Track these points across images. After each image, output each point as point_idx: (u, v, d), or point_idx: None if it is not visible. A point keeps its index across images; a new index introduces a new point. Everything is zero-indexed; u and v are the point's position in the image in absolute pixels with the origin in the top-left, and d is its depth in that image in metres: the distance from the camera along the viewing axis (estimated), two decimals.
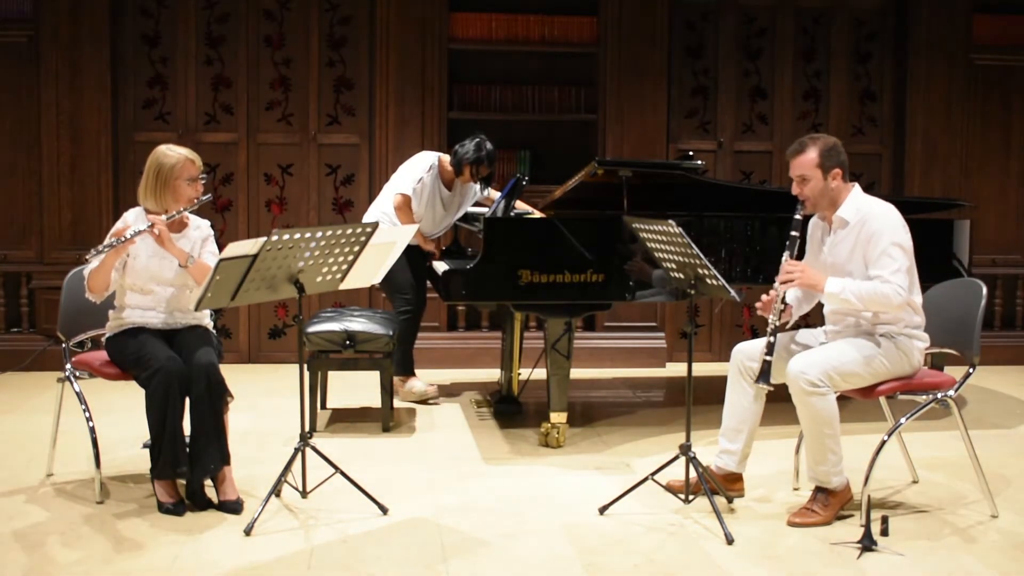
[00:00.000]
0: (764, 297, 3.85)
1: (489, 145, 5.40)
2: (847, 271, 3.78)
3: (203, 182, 4.04)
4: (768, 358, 3.72)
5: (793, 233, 3.81)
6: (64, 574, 3.26)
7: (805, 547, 3.53)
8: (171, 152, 3.98)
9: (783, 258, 3.79)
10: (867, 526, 3.51)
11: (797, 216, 3.83)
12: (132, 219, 4.01)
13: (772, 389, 3.78)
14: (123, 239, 3.79)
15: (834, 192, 3.82)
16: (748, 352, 3.93)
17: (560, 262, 4.64)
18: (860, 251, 3.75)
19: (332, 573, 3.29)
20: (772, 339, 3.74)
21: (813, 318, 6.89)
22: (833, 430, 3.69)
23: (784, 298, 3.82)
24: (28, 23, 6.48)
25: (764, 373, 3.72)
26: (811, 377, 3.63)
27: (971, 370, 3.85)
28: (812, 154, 3.80)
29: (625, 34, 6.78)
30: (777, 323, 3.78)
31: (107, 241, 3.82)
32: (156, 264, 3.95)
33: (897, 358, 3.76)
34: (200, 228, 4.12)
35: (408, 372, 5.69)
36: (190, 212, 4.05)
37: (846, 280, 3.71)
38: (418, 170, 5.52)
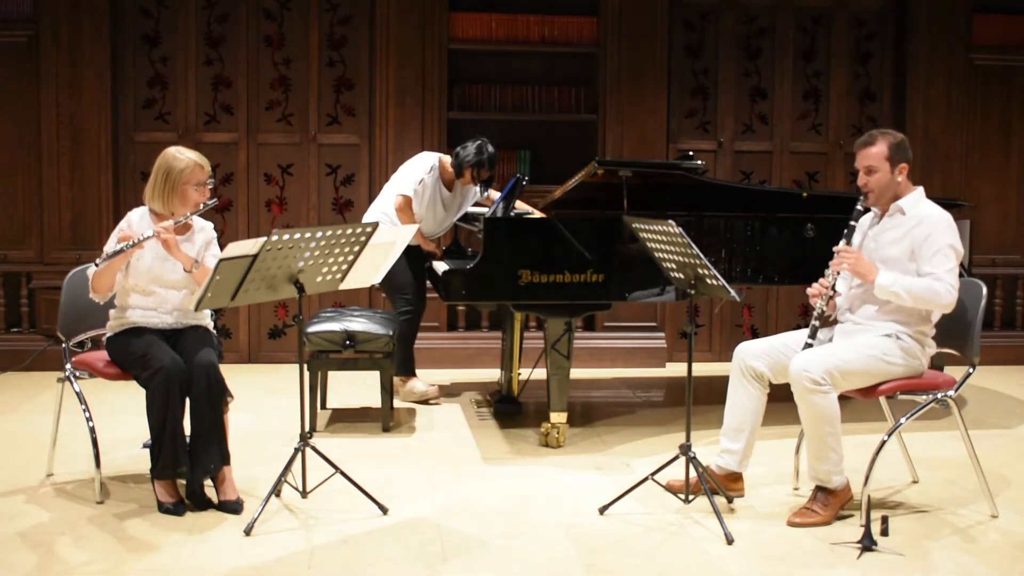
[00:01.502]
0: (815, 285, 3.87)
1: (491, 148, 5.40)
2: (884, 257, 3.80)
3: (210, 187, 4.04)
4: (811, 341, 3.75)
5: (852, 223, 3.85)
6: (66, 574, 3.26)
7: (805, 547, 3.54)
8: (181, 156, 3.98)
9: (840, 244, 3.82)
10: (867, 526, 3.51)
11: (859, 207, 3.87)
12: (136, 219, 4.01)
13: None
14: (131, 244, 3.79)
15: (898, 187, 3.86)
16: (750, 352, 3.93)
17: (560, 262, 4.64)
18: (908, 244, 3.78)
19: (332, 573, 3.30)
20: (817, 323, 3.78)
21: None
22: (834, 428, 3.69)
23: (835, 285, 3.84)
24: (28, 23, 6.47)
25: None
26: (813, 375, 3.64)
27: (971, 370, 3.86)
28: (882, 146, 3.85)
29: (625, 34, 6.78)
30: (824, 309, 3.81)
31: (116, 247, 3.82)
32: (159, 267, 3.95)
33: (901, 360, 3.76)
34: (204, 230, 4.12)
35: (409, 372, 5.69)
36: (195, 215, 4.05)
37: (897, 274, 3.73)
38: (419, 171, 5.52)
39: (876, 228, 3.92)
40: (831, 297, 3.85)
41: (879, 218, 3.93)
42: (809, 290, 3.90)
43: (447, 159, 5.53)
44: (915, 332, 3.79)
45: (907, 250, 3.78)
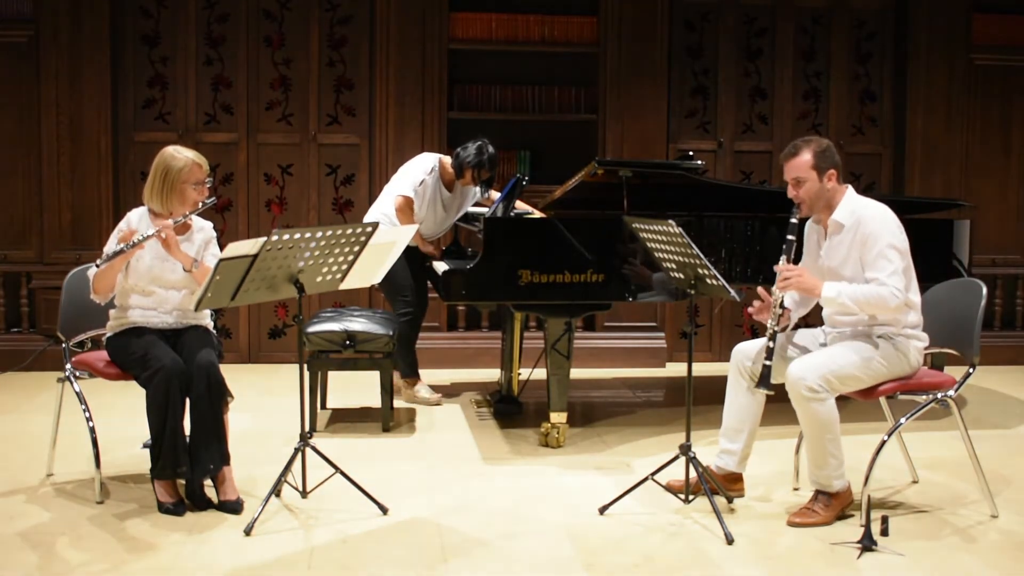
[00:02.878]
0: (756, 303, 3.84)
1: (491, 149, 5.40)
2: (842, 275, 3.78)
3: (209, 186, 4.03)
4: (768, 363, 3.71)
5: (789, 237, 3.79)
6: (66, 574, 3.25)
7: (805, 547, 3.53)
8: (179, 155, 3.97)
9: (780, 262, 3.78)
10: (867, 526, 3.51)
11: (793, 220, 3.81)
12: (136, 219, 4.01)
13: (772, 394, 3.77)
14: (131, 244, 3.78)
15: (830, 194, 3.81)
16: (748, 352, 3.93)
17: (560, 262, 4.64)
18: (856, 254, 3.75)
19: (332, 573, 3.30)
20: (771, 343, 3.74)
21: (813, 318, 6.91)
22: (834, 434, 3.68)
23: (783, 302, 3.81)
24: (28, 23, 6.48)
25: (764, 378, 3.71)
26: (810, 383, 3.62)
27: (971, 370, 3.85)
28: (807, 156, 3.79)
29: (625, 34, 6.78)
30: (776, 328, 3.77)
31: (116, 247, 3.81)
32: (159, 267, 3.94)
33: (896, 359, 3.75)
34: (203, 230, 4.11)
35: (413, 375, 5.68)
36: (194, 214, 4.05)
37: (842, 284, 3.70)
38: (419, 172, 5.52)
39: (825, 247, 3.87)
40: (781, 314, 3.80)
41: (825, 236, 3.89)
42: (750, 310, 3.84)
43: (447, 160, 5.53)
44: (904, 330, 3.77)
45: (858, 261, 3.74)
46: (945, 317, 3.94)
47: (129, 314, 3.98)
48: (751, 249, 4.95)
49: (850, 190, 3.86)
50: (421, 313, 5.67)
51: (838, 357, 3.72)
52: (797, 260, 3.94)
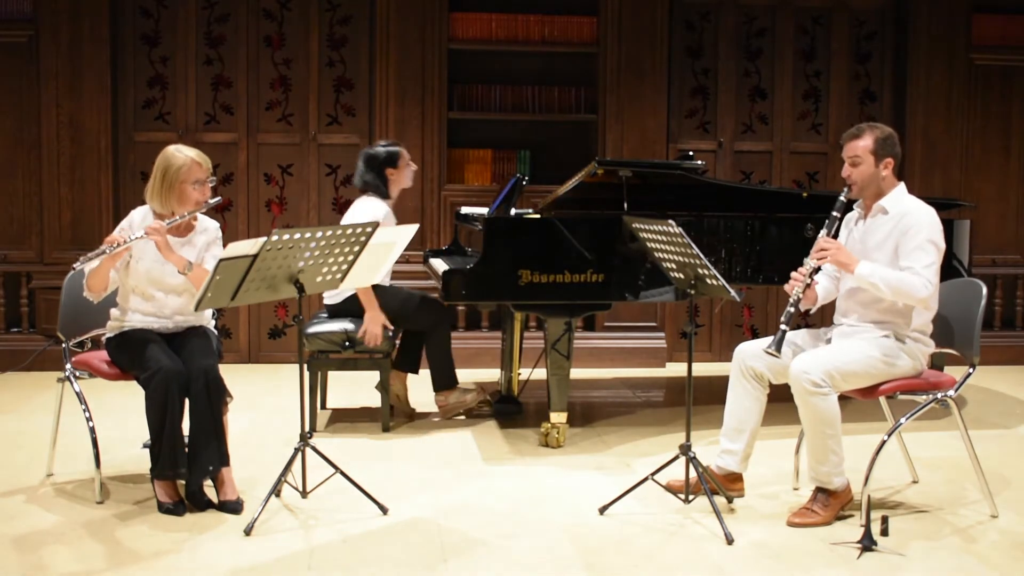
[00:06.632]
0: (794, 273, 3.84)
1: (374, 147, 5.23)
2: (874, 259, 3.79)
3: (212, 184, 4.01)
4: (784, 327, 3.71)
5: (835, 213, 3.83)
6: (66, 574, 3.25)
7: (805, 547, 3.53)
8: (179, 154, 3.95)
9: (820, 235, 3.80)
10: (867, 526, 3.50)
11: (841, 198, 3.85)
12: (139, 219, 3.99)
13: (779, 357, 3.73)
14: (114, 248, 3.76)
15: (882, 182, 3.85)
16: (750, 352, 3.93)
17: (560, 262, 4.64)
18: (893, 241, 3.77)
19: (332, 573, 3.29)
20: (791, 310, 3.75)
21: (812, 318, 6.92)
22: (835, 430, 3.69)
23: (813, 273, 3.82)
24: (28, 23, 6.48)
25: (777, 341, 3.70)
26: (813, 377, 3.63)
27: (971, 370, 3.85)
28: (868, 140, 3.85)
29: (625, 34, 6.79)
30: (800, 296, 3.78)
31: (100, 248, 3.79)
32: (159, 270, 3.93)
33: (901, 360, 3.76)
34: (207, 231, 4.08)
35: (453, 383, 5.29)
36: (199, 214, 4.02)
37: (876, 265, 3.72)
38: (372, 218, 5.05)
39: (861, 230, 3.91)
40: (808, 285, 3.82)
41: (863, 218, 3.92)
42: (793, 273, 3.85)
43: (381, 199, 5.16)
44: (912, 332, 3.79)
45: (892, 250, 3.78)
46: (945, 317, 3.94)
47: (129, 316, 3.97)
48: (751, 249, 4.95)
49: (902, 185, 3.91)
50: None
51: (843, 354, 3.73)
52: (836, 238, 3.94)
